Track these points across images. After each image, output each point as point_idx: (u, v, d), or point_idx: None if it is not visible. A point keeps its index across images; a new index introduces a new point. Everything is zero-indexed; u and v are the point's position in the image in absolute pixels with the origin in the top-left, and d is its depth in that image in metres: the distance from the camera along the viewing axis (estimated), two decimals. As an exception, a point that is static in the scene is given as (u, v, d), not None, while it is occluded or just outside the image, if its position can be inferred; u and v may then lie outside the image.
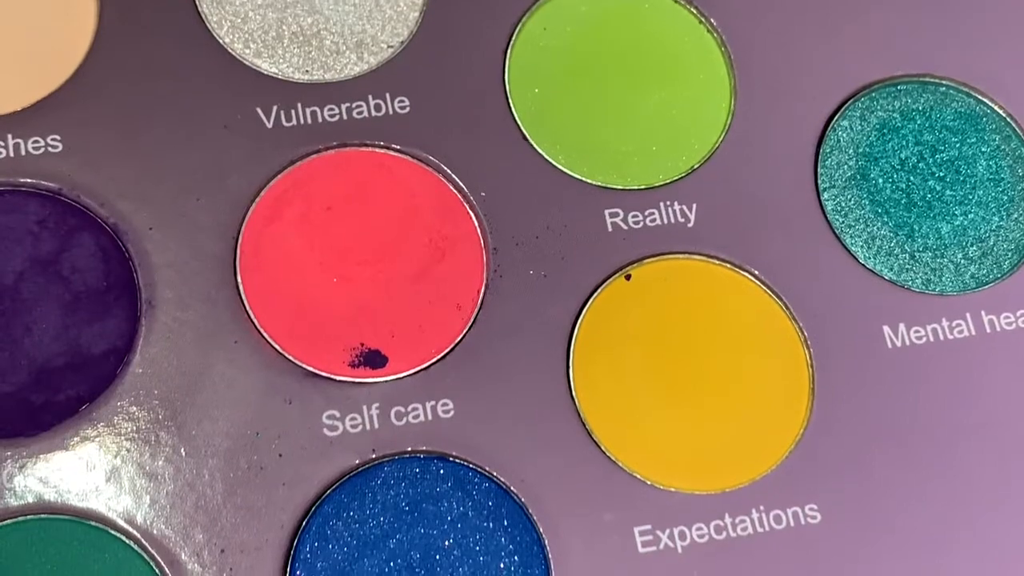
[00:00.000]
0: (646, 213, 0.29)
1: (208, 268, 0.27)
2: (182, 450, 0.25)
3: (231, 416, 0.26)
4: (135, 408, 0.25)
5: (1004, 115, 0.31)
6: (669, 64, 0.31)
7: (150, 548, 0.25)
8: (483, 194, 0.28)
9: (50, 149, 0.27)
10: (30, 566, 0.25)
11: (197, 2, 0.29)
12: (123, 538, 0.25)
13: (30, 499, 0.25)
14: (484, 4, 0.31)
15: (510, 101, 0.29)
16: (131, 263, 0.26)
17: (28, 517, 0.25)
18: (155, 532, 0.25)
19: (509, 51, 0.30)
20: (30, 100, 0.27)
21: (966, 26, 0.32)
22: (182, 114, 0.28)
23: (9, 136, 0.27)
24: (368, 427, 0.26)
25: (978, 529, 0.28)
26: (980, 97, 0.31)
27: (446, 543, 0.26)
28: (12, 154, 0.27)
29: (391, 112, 0.28)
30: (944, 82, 0.31)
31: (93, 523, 0.25)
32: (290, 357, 0.26)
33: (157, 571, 0.25)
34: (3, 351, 0.26)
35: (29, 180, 0.27)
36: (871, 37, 0.32)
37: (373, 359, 0.27)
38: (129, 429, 0.26)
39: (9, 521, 0.25)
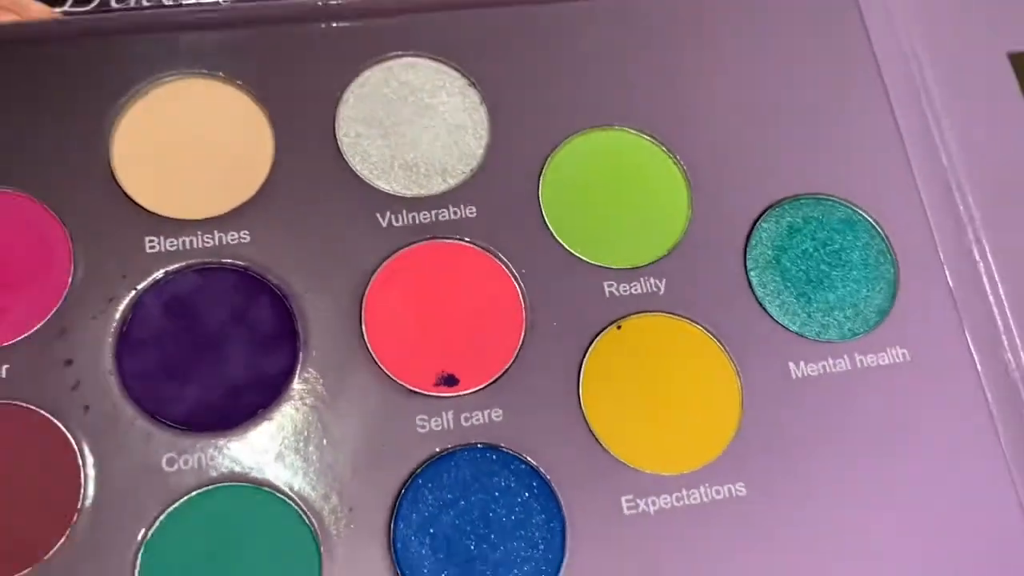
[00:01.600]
0: (631, 284, 0.30)
1: (343, 320, 0.29)
2: (324, 441, 0.27)
3: (359, 420, 0.28)
4: (295, 412, 0.27)
5: (871, 220, 0.32)
6: (646, 183, 0.32)
7: (303, 506, 0.27)
8: (523, 271, 0.30)
9: (242, 240, 0.29)
10: (224, 517, 0.27)
11: (339, 144, 0.31)
12: (286, 499, 0.27)
13: (224, 472, 0.27)
14: (524, 146, 0.32)
15: (542, 208, 0.31)
16: (292, 316, 0.28)
17: (222, 484, 0.27)
18: (307, 495, 0.27)
19: (541, 176, 0.32)
20: (228, 208, 0.29)
21: (847, 158, 0.33)
22: (327, 216, 0.30)
23: (215, 231, 0.29)
24: (446, 427, 0.28)
25: (849, 502, 0.29)
26: (855, 207, 0.33)
27: (496, 506, 0.28)
28: (217, 243, 0.29)
29: (464, 216, 0.30)
30: (832, 197, 0.33)
31: (266, 489, 0.27)
32: (397, 380, 0.28)
33: (307, 521, 0.26)
34: (210, 375, 0.28)
35: (228, 260, 0.29)
36: (782, 167, 0.33)
37: (449, 380, 0.29)
38: (290, 427, 0.27)
39: (211, 487, 0.26)
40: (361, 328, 0.28)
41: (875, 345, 0.31)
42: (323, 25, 0.32)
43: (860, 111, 0.33)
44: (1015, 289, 0.33)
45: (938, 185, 0.33)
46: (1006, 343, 0.32)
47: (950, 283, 0.32)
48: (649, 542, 0.28)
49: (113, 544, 0.25)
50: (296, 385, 0.27)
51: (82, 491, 0.26)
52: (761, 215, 0.32)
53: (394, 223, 0.30)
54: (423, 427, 0.28)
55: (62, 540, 0.25)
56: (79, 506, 0.25)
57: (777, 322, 0.30)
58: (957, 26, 0.36)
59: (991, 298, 0.33)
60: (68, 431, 0.26)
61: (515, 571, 0.26)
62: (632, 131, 0.32)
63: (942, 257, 0.32)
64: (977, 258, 0.33)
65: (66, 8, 0.29)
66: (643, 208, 0.32)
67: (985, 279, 0.33)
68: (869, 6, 0.35)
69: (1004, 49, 0.36)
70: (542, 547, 0.27)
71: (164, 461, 0.26)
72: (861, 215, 0.32)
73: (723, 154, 0.32)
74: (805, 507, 0.29)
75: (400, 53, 0.31)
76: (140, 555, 0.25)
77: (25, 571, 0.25)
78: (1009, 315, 0.32)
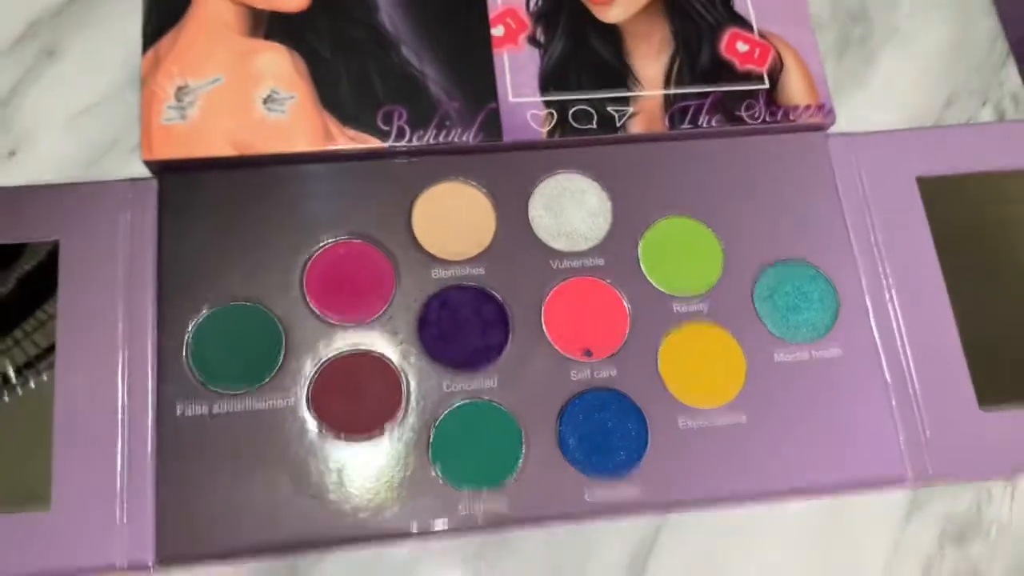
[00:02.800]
0: (688, 304, 0.40)
1: (532, 317, 0.39)
2: (524, 379, 0.38)
3: (540, 370, 0.38)
4: (507, 365, 0.38)
5: (825, 275, 0.41)
6: (698, 248, 0.40)
7: (513, 412, 0.37)
8: (628, 296, 0.40)
9: (480, 272, 0.39)
10: (473, 416, 0.37)
11: (529, 221, 0.40)
12: (503, 408, 0.37)
13: (472, 392, 0.37)
14: (631, 225, 0.40)
15: (640, 260, 0.40)
16: (506, 313, 0.39)
17: (471, 400, 0.37)
18: (515, 407, 0.37)
19: (640, 242, 0.40)
20: (473, 254, 0.40)
21: (814, 239, 0.41)
22: (523, 261, 0.39)
23: (467, 266, 0.39)
24: (586, 377, 0.38)
25: (800, 430, 0.38)
26: (816, 267, 0.41)
27: (612, 419, 0.38)
28: (467, 273, 0.39)
29: (596, 264, 0.40)
30: (804, 261, 0.41)
31: (493, 402, 0.37)
32: (559, 351, 0.39)
33: (516, 421, 0.37)
34: (463, 341, 0.38)
35: (473, 283, 0.39)
36: (776, 243, 0.40)
37: (588, 353, 0.39)
38: (506, 373, 0.38)
39: (466, 400, 0.37)
40: (542, 321, 0.39)
41: (824, 346, 0.40)
42: (524, 152, 0.41)
43: (825, 213, 0.42)
44: (909, 316, 0.41)
45: (868, 255, 0.42)
46: (899, 345, 0.41)
47: (870, 313, 0.41)
48: (692, 445, 0.38)
49: (419, 426, 0.37)
50: (508, 351, 0.39)
51: (403, 399, 0.38)
52: (763, 270, 0.41)
53: (559, 266, 0.40)
54: (574, 377, 0.39)
55: (395, 422, 0.37)
56: (402, 405, 0.38)
57: (769, 331, 0.40)
58: (885, 155, 0.44)
59: (893, 323, 0.41)
60: (396, 368, 0.38)
61: (621, 452, 0.38)
62: (691, 219, 0.41)
63: (867, 299, 0.41)
64: (887, 303, 0.41)
65: (390, 142, 0.41)
66: (696, 263, 0.41)
67: (891, 313, 0.41)
68: (835, 149, 0.43)
69: (914, 174, 0.43)
70: (634, 440, 0.38)
71: (443, 385, 0.38)
72: (820, 272, 0.41)
73: (743, 234, 0.41)
74: (778, 430, 0.38)
75: (564, 170, 0.42)
76: (433, 431, 0.37)
77: (376, 433, 0.37)
78: (904, 332, 0.41)
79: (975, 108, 0.49)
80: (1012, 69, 0.49)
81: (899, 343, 0.41)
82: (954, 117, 0.48)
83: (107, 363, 0.38)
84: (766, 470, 0.39)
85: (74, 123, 0.43)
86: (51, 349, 0.38)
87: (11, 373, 0.37)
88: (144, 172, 0.41)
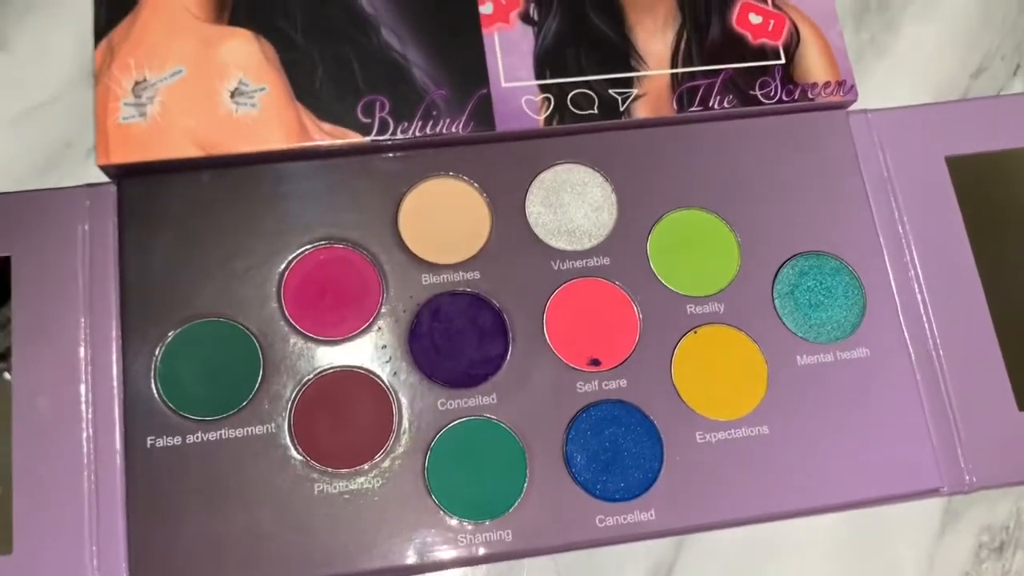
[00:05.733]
0: (703, 306, 0.37)
1: (533, 324, 0.36)
2: (524, 393, 0.35)
3: (543, 382, 0.36)
4: (506, 378, 0.35)
5: (851, 269, 0.38)
6: (713, 244, 0.38)
7: (515, 431, 0.35)
8: (638, 297, 0.37)
9: (475, 277, 0.36)
10: (470, 437, 0.34)
11: (527, 218, 0.37)
12: (504, 426, 0.35)
13: (468, 410, 0.35)
14: (638, 220, 0.38)
15: (649, 259, 0.37)
16: (504, 322, 0.36)
17: (469, 418, 0.35)
18: (517, 424, 0.35)
19: (648, 238, 0.38)
20: (466, 257, 0.37)
21: (838, 229, 0.38)
22: (522, 263, 0.37)
23: (460, 271, 0.36)
24: (594, 389, 0.36)
25: (827, 438, 0.36)
26: (841, 260, 0.38)
27: (622, 434, 0.35)
28: (461, 279, 0.36)
29: (602, 264, 0.37)
30: (827, 253, 0.38)
31: (493, 420, 0.35)
32: (564, 361, 0.36)
33: (518, 439, 0.34)
34: (456, 358, 0.36)
35: (469, 290, 0.36)
36: (796, 234, 0.38)
37: (595, 362, 0.36)
38: (504, 387, 0.35)
39: (463, 419, 0.35)
40: (543, 329, 0.37)
41: (849, 346, 0.37)
42: (519, 143, 0.38)
43: (849, 200, 0.39)
44: (941, 312, 0.39)
45: (895, 244, 0.39)
46: (930, 343, 0.38)
47: (899, 309, 0.38)
48: (711, 461, 0.35)
49: (413, 452, 0.35)
50: (508, 363, 0.36)
51: (395, 420, 0.35)
52: (783, 264, 0.38)
53: (561, 267, 0.37)
54: (580, 389, 0.36)
55: (384, 448, 0.35)
56: (393, 428, 0.35)
57: (790, 330, 0.37)
58: (911, 134, 0.41)
59: (924, 319, 0.39)
60: (386, 386, 0.35)
61: (634, 470, 0.35)
62: (704, 211, 0.39)
63: (895, 294, 0.38)
64: (917, 297, 0.39)
65: (372, 137, 0.37)
66: (710, 260, 0.38)
67: (921, 308, 0.39)
68: (858, 128, 0.40)
69: (943, 153, 0.41)
70: (648, 459, 0.35)
71: (438, 403, 0.35)
72: (844, 264, 0.38)
73: (760, 225, 0.38)
74: (803, 441, 0.36)
75: (562, 161, 0.39)
76: (427, 457, 0.35)
77: (363, 465, 0.34)
78: (936, 329, 0.38)
79: (1006, 77, 0.45)
80: (1046, 31, 0.46)
81: (930, 341, 0.39)
82: (984, 88, 0.45)
83: (69, 392, 0.35)
84: (792, 486, 0.36)
85: (21, 124, 0.39)
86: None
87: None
88: (101, 177, 0.37)
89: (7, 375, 0.34)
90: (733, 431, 0.36)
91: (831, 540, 0.37)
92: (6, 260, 0.36)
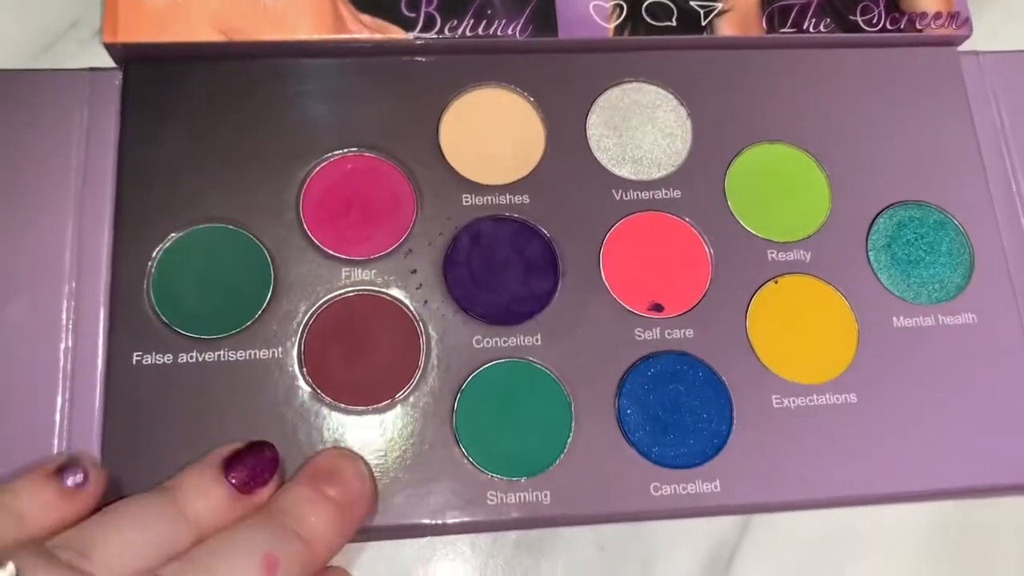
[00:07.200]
0: (787, 252, 0.33)
1: (588, 259, 0.32)
2: (574, 337, 0.31)
3: (597, 327, 0.31)
4: (554, 319, 0.31)
5: (957, 222, 0.34)
6: (801, 184, 0.34)
7: (563, 381, 0.30)
8: (711, 238, 0.33)
9: (523, 201, 0.32)
10: (508, 380, 0.30)
11: (588, 141, 0.33)
12: (548, 371, 0.30)
13: (508, 350, 0.30)
14: (716, 150, 0.34)
15: (726, 195, 0.33)
16: (555, 254, 0.32)
17: (508, 360, 0.30)
18: (564, 372, 0.30)
19: (727, 172, 0.34)
20: (515, 179, 0.33)
21: (943, 177, 0.35)
22: (579, 190, 0.33)
23: (507, 193, 0.32)
24: (655, 337, 0.31)
25: (924, 411, 0.31)
26: (946, 212, 0.34)
27: (685, 392, 0.31)
28: (507, 202, 0.32)
29: (671, 197, 0.33)
30: (930, 204, 0.34)
31: (536, 364, 0.30)
32: (622, 303, 0.32)
33: (564, 389, 0.30)
34: (497, 291, 0.31)
35: (516, 215, 0.32)
36: (896, 181, 0.34)
37: (657, 307, 0.32)
38: (552, 328, 0.31)
39: (501, 360, 0.30)
40: (599, 266, 0.32)
41: (953, 310, 0.33)
42: (583, 55, 0.34)
43: (956, 145, 0.35)
44: None
45: (1008, 202, 0.35)
46: None
47: (1010, 271, 0.34)
48: (788, 428, 0.31)
49: (440, 393, 0.30)
50: (556, 301, 0.32)
51: (422, 356, 0.30)
52: (879, 213, 0.34)
53: (624, 198, 0.33)
54: (639, 336, 0.32)
55: (407, 386, 0.30)
56: (419, 364, 0.30)
57: (886, 288, 0.33)
58: None
59: None
60: (414, 315, 0.31)
61: (697, 434, 0.30)
62: (792, 146, 0.34)
63: (1006, 252, 0.34)
64: None
65: (416, 33, 0.33)
66: (797, 201, 0.34)
67: None
68: (969, 72, 0.36)
69: None
70: (715, 422, 0.31)
71: (473, 340, 0.31)
72: (950, 218, 0.34)
73: (855, 168, 0.35)
74: (895, 414, 0.32)
75: (632, 79, 0.35)
76: (458, 398, 0.30)
77: (385, 402, 0.30)
78: None
79: None
80: None
81: (1046, 311, 0.34)
82: (1113, 39, 0.39)
83: (49, 297, 0.30)
84: (882, 466, 0.31)
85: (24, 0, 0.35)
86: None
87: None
88: (107, 61, 0.33)
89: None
90: (816, 397, 0.32)
91: (924, 535, 0.32)
92: (-9, 144, 0.31)
